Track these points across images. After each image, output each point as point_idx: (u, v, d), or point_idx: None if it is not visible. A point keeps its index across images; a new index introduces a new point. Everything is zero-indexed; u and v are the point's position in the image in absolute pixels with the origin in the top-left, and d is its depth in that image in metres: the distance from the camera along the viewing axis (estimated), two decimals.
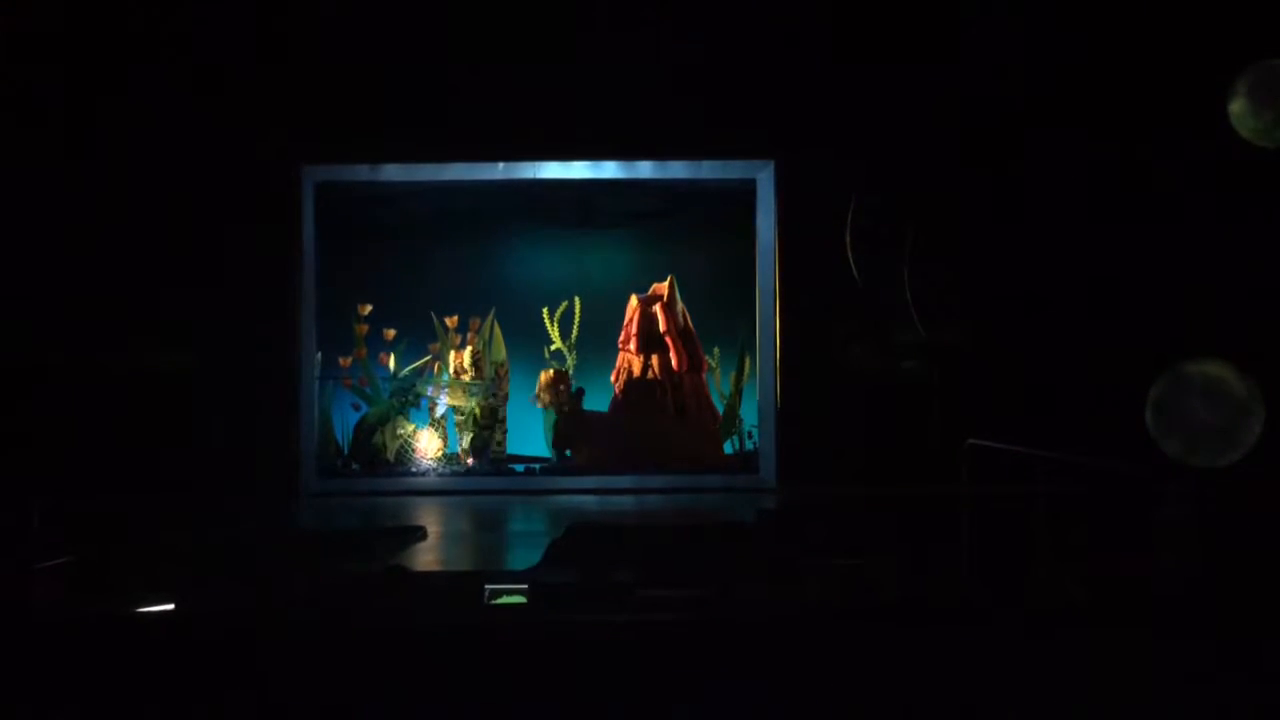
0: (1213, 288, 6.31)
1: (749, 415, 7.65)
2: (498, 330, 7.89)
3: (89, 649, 3.28)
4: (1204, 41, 6.11)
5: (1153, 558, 4.06)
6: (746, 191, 7.26)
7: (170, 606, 3.67)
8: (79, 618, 3.44)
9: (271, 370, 7.01)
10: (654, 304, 7.88)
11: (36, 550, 3.94)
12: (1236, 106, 4.10)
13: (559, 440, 7.74)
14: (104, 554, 4.31)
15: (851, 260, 6.81)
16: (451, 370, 7.75)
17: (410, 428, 7.63)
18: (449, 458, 7.55)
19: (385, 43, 6.85)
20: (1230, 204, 6.32)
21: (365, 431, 7.68)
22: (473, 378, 7.67)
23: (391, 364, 7.84)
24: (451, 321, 7.86)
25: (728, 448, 7.85)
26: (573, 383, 7.87)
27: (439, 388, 7.68)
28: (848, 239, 6.83)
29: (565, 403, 7.58)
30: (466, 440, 7.56)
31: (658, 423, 7.69)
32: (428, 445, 7.58)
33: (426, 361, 7.84)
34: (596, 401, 7.91)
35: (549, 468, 7.68)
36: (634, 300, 7.94)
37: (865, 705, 3.17)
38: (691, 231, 8.09)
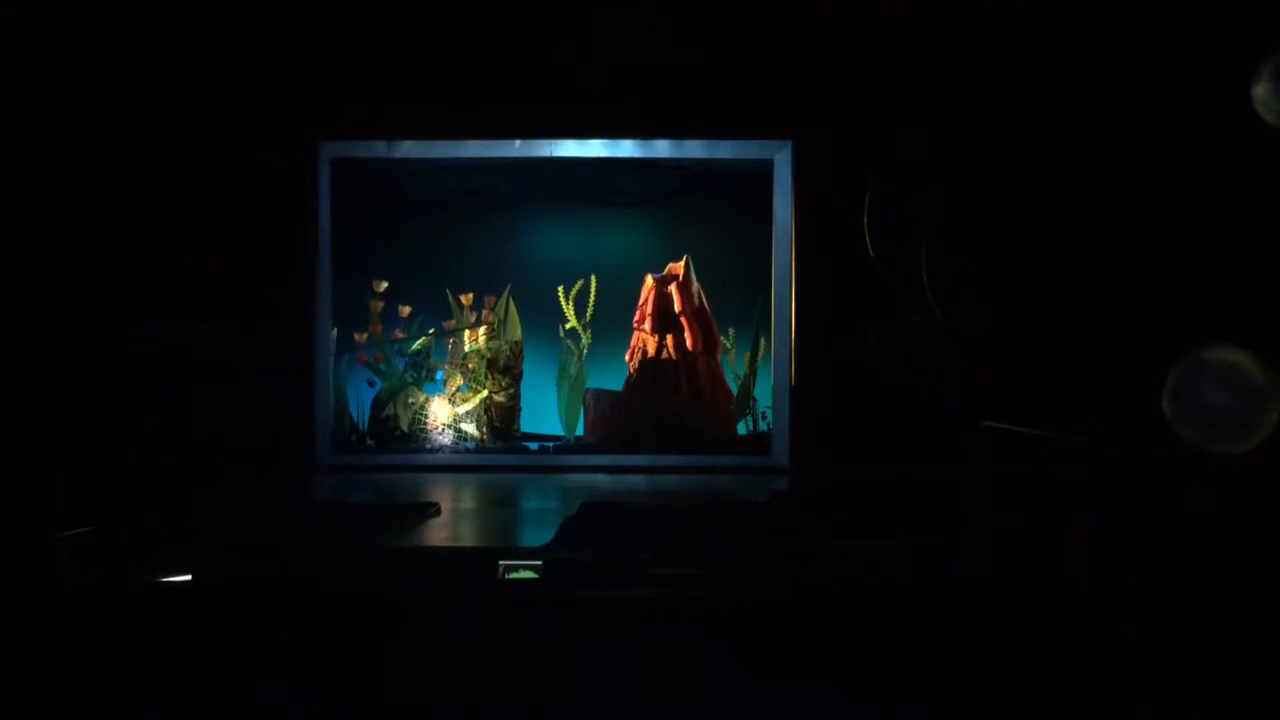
0: (1235, 273, 6.28)
1: (763, 396, 7.65)
2: (513, 308, 7.89)
3: (109, 619, 3.31)
4: (1228, 26, 6.06)
5: (1168, 541, 4.06)
6: (763, 172, 7.24)
7: (187, 578, 3.70)
8: (99, 588, 3.48)
9: (287, 345, 7.04)
10: (669, 284, 7.87)
11: (57, 520, 3.97)
12: (1261, 90, 4.07)
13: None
14: (122, 525, 4.35)
15: (868, 242, 6.79)
16: (466, 347, 7.77)
17: (422, 398, 7.65)
18: (461, 421, 7.54)
19: (404, 18, 6.84)
20: (1256, 189, 6.28)
21: (379, 407, 7.70)
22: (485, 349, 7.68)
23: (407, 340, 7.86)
24: (467, 299, 7.86)
25: (741, 428, 7.85)
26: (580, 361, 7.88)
27: (455, 364, 7.69)
28: (865, 221, 6.81)
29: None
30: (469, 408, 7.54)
31: (672, 402, 7.69)
32: (438, 411, 7.59)
33: (432, 335, 7.82)
34: (611, 380, 7.92)
35: (562, 446, 7.70)
36: (649, 280, 7.93)
37: (877, 683, 3.18)
38: (708, 212, 8.06)
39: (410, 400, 7.61)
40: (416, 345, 7.76)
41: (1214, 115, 5.96)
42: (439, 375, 7.76)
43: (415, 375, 7.71)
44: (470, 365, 7.68)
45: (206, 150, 6.81)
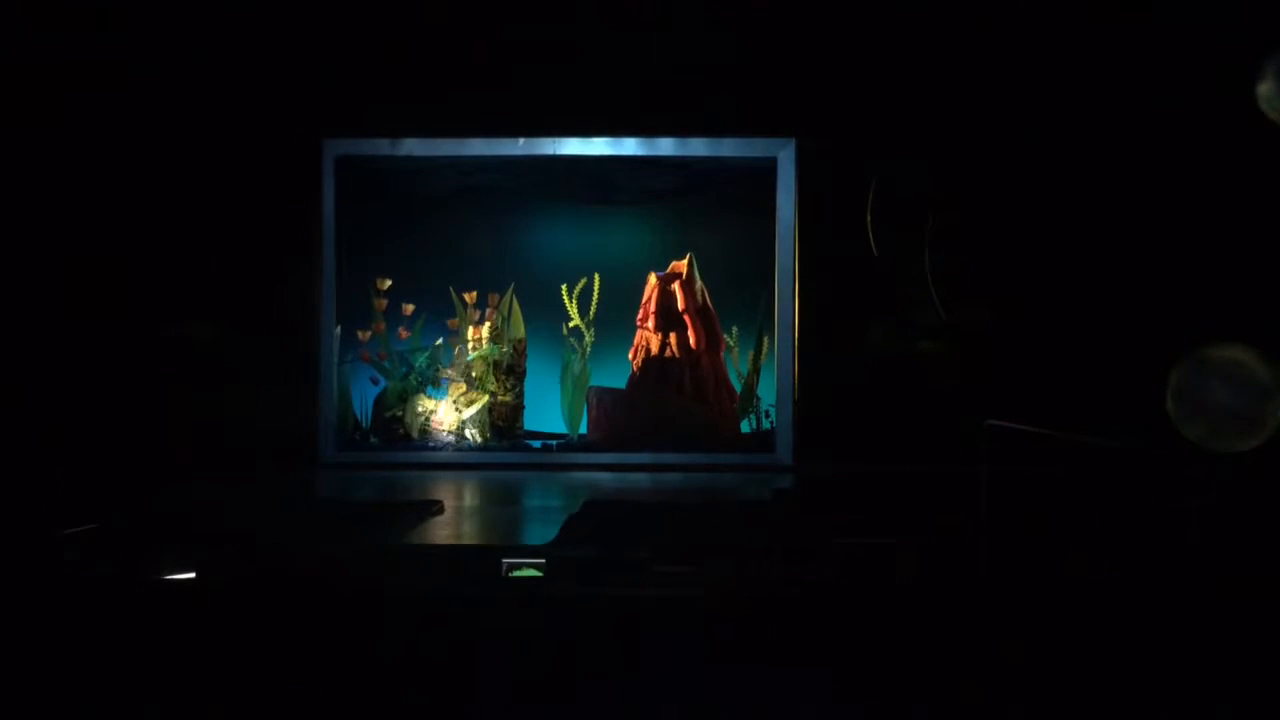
0: (1237, 272, 6.27)
1: (766, 394, 7.65)
2: (516, 306, 7.90)
3: (111, 616, 3.32)
4: (1232, 26, 6.05)
5: (1169, 541, 4.05)
6: (767, 170, 7.24)
7: (191, 575, 3.70)
8: (103, 584, 3.49)
9: (291, 342, 7.05)
10: (673, 282, 7.87)
11: (61, 516, 3.98)
12: (1265, 88, 4.07)
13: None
14: (125, 522, 4.35)
15: (871, 240, 6.79)
16: (470, 345, 7.77)
17: (430, 403, 7.66)
18: (465, 429, 7.55)
19: (407, 15, 6.85)
20: (1258, 187, 6.27)
21: (384, 407, 7.71)
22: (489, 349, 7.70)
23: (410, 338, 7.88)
24: (470, 297, 7.87)
25: (745, 426, 7.85)
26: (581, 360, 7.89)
27: (459, 368, 7.69)
28: (868, 219, 6.81)
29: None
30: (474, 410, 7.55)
31: (675, 401, 7.70)
32: (445, 416, 7.60)
33: (439, 346, 7.83)
34: (615, 379, 7.92)
35: (565, 444, 7.71)
36: (653, 278, 7.93)
37: (879, 681, 3.19)
38: (711, 210, 8.06)
39: (420, 410, 7.62)
40: (421, 359, 7.76)
41: (1217, 113, 5.95)
42: (444, 383, 7.76)
43: (420, 380, 7.72)
44: (475, 373, 7.68)
45: (210, 149, 6.82)
